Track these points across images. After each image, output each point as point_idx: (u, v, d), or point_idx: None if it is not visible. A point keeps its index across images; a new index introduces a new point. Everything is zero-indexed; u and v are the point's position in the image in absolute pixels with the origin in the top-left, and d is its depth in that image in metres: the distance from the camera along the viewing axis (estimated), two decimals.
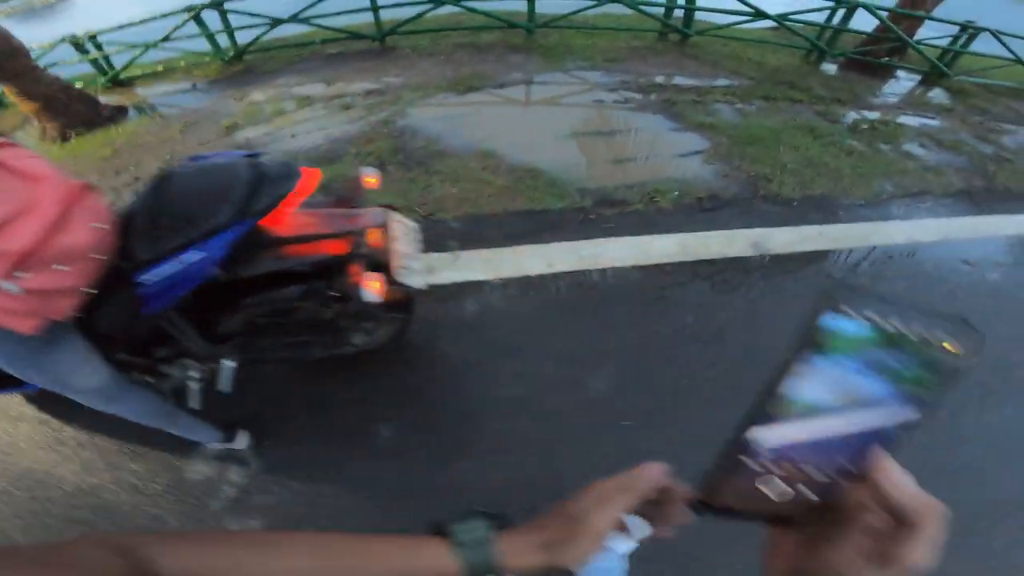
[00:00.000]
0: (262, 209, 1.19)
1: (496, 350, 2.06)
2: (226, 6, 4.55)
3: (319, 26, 4.69)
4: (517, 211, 2.65)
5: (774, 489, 0.31)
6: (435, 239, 2.51)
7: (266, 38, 4.86)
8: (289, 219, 1.35)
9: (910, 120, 4.00)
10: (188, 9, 4.53)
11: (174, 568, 0.35)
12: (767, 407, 0.29)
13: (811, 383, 0.27)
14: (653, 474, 0.39)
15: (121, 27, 4.68)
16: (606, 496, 0.39)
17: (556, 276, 2.33)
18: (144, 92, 4.72)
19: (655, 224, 2.57)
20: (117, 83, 4.94)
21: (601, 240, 2.48)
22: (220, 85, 4.53)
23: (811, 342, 0.26)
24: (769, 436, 0.29)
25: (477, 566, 0.39)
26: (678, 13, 4.95)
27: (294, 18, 4.60)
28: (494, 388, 1.92)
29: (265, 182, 1.20)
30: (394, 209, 1.59)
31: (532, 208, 2.66)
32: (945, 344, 0.25)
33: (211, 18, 4.65)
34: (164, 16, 4.61)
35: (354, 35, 4.77)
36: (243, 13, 4.58)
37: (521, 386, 1.94)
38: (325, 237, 1.36)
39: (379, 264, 1.38)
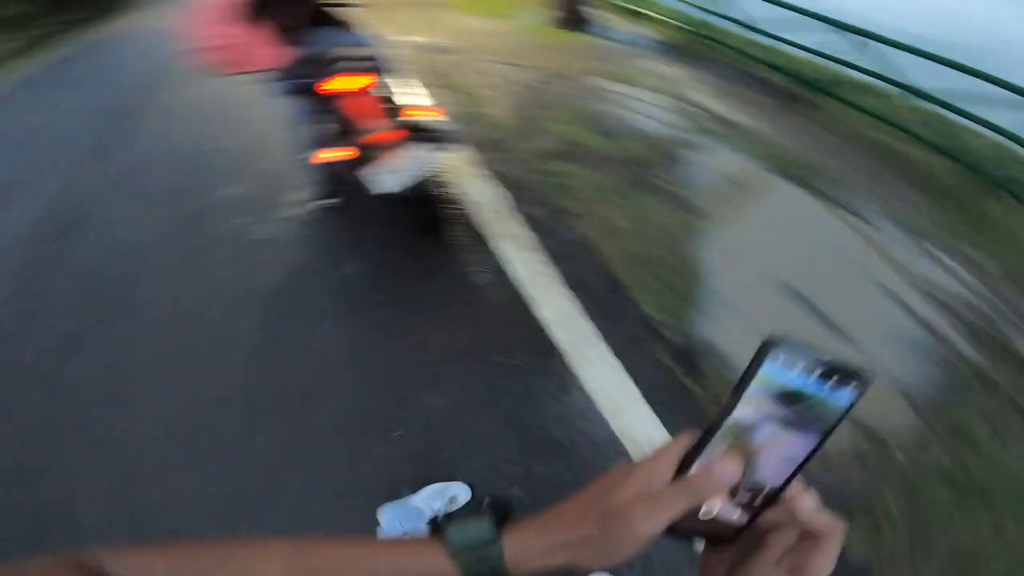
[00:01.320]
0: None
1: None
2: None
3: None
4: None
5: (710, 510, 0.33)
6: None
7: None
8: None
9: None
10: None
11: None
12: (705, 440, 0.33)
13: (743, 415, 0.32)
14: (728, 473, 0.32)
15: None
16: (657, 500, 0.32)
17: None
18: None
19: None
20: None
21: None
22: None
23: (747, 385, 0.31)
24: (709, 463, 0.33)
25: (478, 573, 0.33)
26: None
27: None
28: None
29: None
30: None
31: None
32: (847, 388, 0.30)
33: None
34: None
35: None
36: None
37: None
38: None
39: None
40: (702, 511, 0.33)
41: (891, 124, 3.67)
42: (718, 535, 0.35)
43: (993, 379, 2.05)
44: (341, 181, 2.22)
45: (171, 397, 1.87)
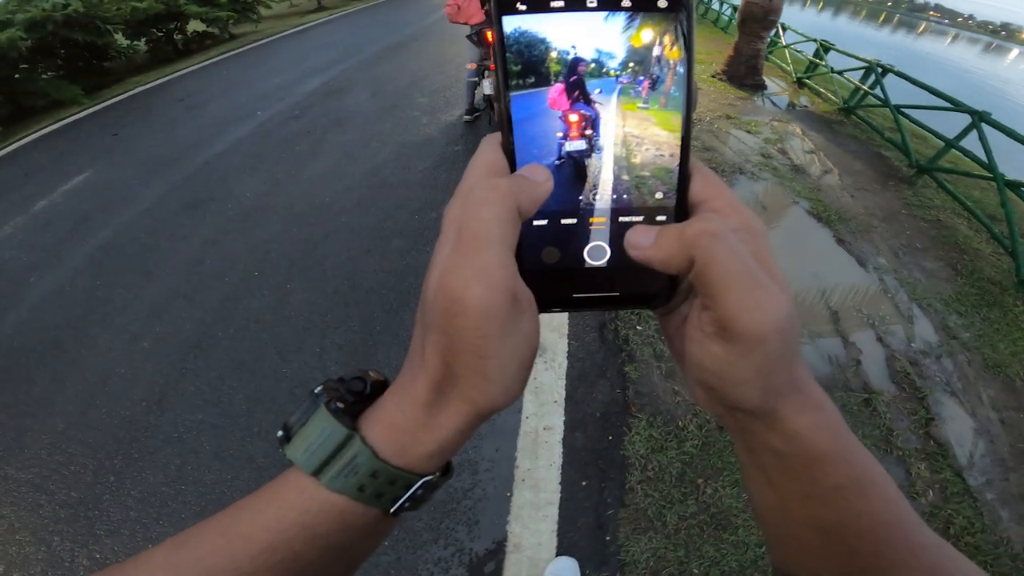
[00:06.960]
0: None
1: None
2: None
3: None
4: None
5: (596, 250, 0.23)
6: None
7: None
8: None
9: None
10: None
11: None
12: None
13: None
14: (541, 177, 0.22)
15: None
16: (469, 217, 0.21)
17: None
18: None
19: None
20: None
21: None
22: None
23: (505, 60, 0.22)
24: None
25: (354, 484, 0.23)
26: None
27: None
28: None
29: None
30: None
31: None
32: None
33: None
34: None
35: None
36: None
37: None
38: None
39: None
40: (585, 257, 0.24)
41: (970, 212, 3.81)
42: (645, 299, 0.25)
43: (877, 408, 2.36)
44: (480, 106, 4.31)
45: (336, 160, 4.01)
